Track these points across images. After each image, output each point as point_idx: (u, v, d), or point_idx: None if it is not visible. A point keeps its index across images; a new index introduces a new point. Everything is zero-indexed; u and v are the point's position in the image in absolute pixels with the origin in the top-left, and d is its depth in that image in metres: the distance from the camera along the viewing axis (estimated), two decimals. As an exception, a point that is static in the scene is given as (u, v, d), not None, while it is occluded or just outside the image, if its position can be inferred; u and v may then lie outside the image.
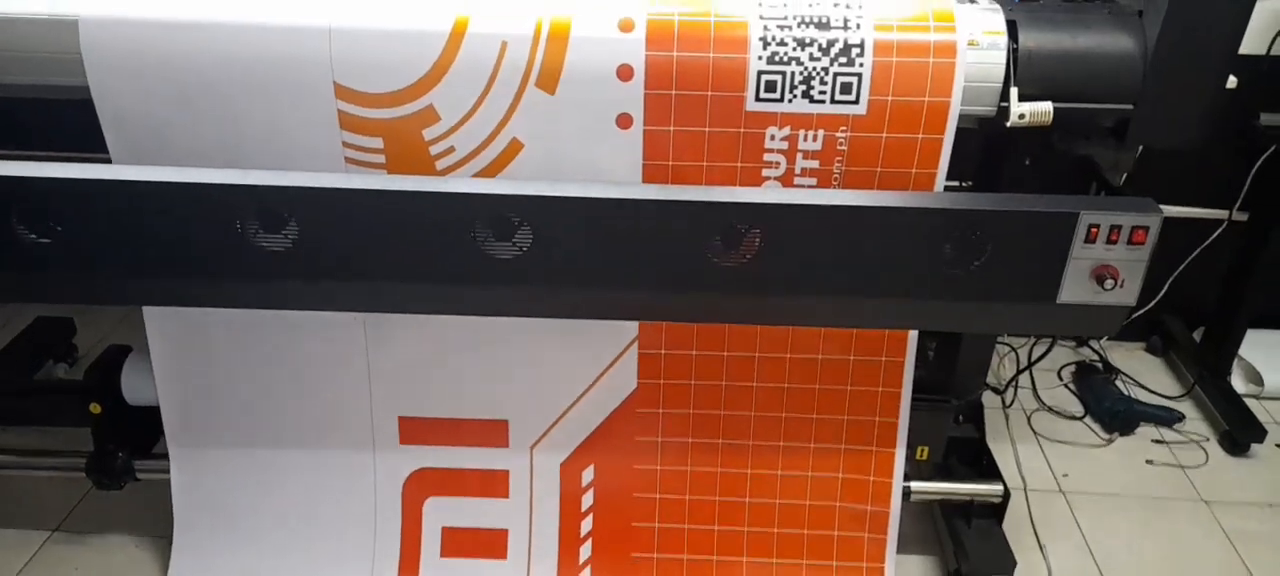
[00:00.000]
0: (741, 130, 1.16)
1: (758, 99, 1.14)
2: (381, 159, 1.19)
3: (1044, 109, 1.12)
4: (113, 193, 1.05)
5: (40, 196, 1.05)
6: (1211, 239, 2.16)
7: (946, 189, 1.23)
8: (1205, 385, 2.14)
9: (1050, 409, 2.11)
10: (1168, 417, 2.06)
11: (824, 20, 1.12)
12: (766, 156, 1.18)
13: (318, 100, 1.14)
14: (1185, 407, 2.11)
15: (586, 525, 1.49)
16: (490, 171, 1.19)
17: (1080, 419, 2.09)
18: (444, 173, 1.19)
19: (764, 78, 1.12)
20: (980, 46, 1.13)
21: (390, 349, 1.38)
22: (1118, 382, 2.18)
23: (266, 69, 1.13)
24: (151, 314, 1.36)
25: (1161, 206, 1.06)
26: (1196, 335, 2.28)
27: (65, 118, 1.20)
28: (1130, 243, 1.07)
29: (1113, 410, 2.05)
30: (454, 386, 1.41)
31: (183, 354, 1.40)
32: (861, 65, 1.12)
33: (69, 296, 1.17)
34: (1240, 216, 2.10)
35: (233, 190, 1.04)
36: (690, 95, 1.14)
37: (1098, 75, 1.14)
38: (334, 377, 1.40)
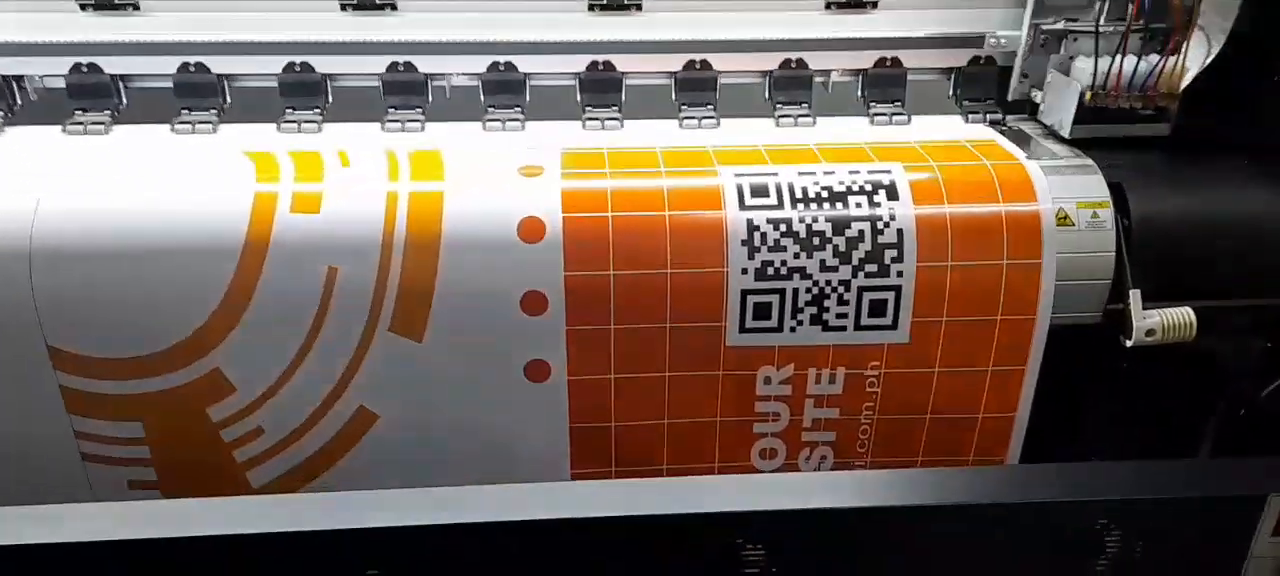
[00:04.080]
0: (720, 372, 0.74)
1: (743, 330, 0.72)
2: (144, 451, 0.73)
3: (1183, 317, 0.73)
4: None
5: None
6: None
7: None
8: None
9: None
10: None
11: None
12: (759, 407, 0.76)
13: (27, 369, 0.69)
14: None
15: None
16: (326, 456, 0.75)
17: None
18: (247, 466, 0.74)
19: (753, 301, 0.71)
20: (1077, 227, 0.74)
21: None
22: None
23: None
24: None
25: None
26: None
27: None
28: (1346, 535, 0.68)
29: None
30: None
31: None
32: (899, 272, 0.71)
33: None
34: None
35: None
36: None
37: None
38: None
